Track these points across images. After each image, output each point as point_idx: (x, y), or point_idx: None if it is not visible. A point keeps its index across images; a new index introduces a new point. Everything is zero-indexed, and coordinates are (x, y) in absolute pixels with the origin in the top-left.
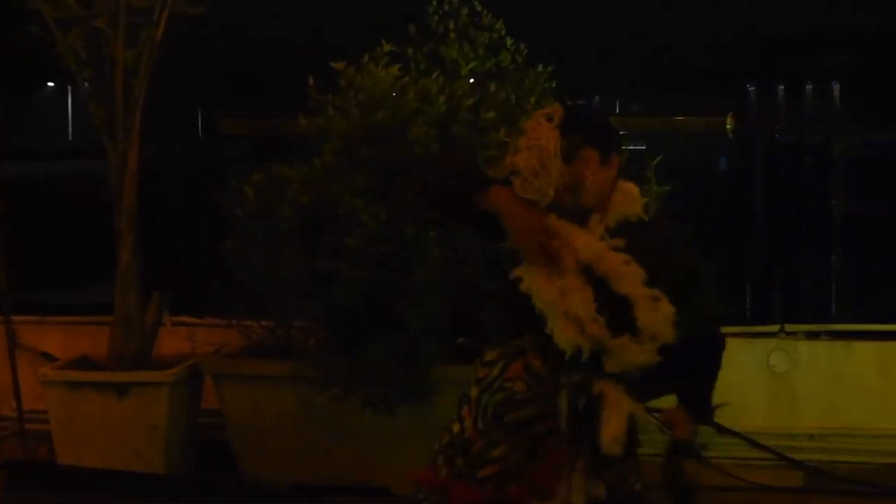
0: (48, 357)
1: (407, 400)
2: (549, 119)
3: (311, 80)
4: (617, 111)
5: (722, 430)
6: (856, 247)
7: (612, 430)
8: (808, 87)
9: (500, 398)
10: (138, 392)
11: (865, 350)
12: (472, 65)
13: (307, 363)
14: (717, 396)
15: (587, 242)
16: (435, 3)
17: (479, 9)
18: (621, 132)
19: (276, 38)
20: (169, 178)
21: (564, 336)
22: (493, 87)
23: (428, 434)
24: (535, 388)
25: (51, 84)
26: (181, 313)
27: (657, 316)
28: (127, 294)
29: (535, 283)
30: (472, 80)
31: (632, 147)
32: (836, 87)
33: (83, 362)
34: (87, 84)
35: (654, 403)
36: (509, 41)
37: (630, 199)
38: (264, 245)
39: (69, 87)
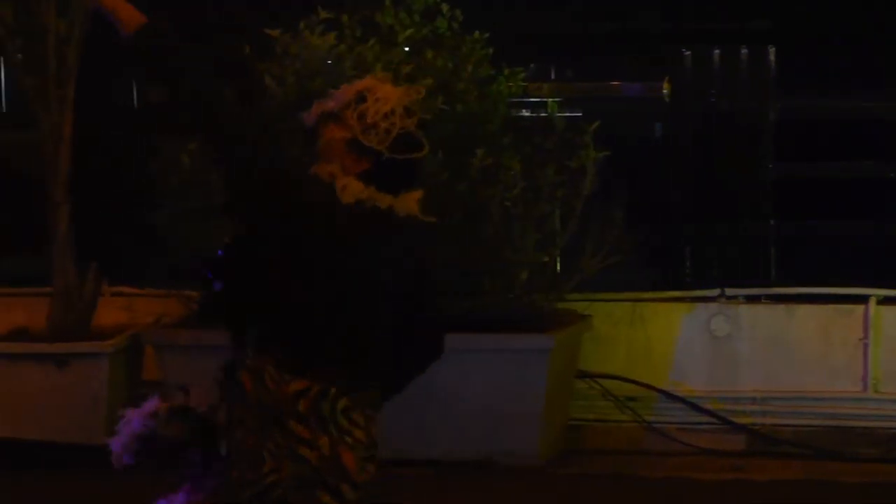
0: None
1: None
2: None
3: (246, 48)
4: (552, 77)
5: (665, 394)
6: (794, 210)
7: None
8: (744, 51)
9: None
10: (78, 363)
11: (806, 313)
12: (407, 32)
13: None
14: (660, 361)
15: None
16: None
17: None
18: (558, 99)
19: (205, 7)
20: (103, 147)
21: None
22: (429, 55)
23: None
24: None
25: None
26: (120, 284)
27: None
28: (65, 265)
29: None
30: (404, 49)
31: (568, 114)
32: (772, 50)
33: (21, 334)
34: (18, 54)
35: None
36: (445, 8)
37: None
38: (199, 213)
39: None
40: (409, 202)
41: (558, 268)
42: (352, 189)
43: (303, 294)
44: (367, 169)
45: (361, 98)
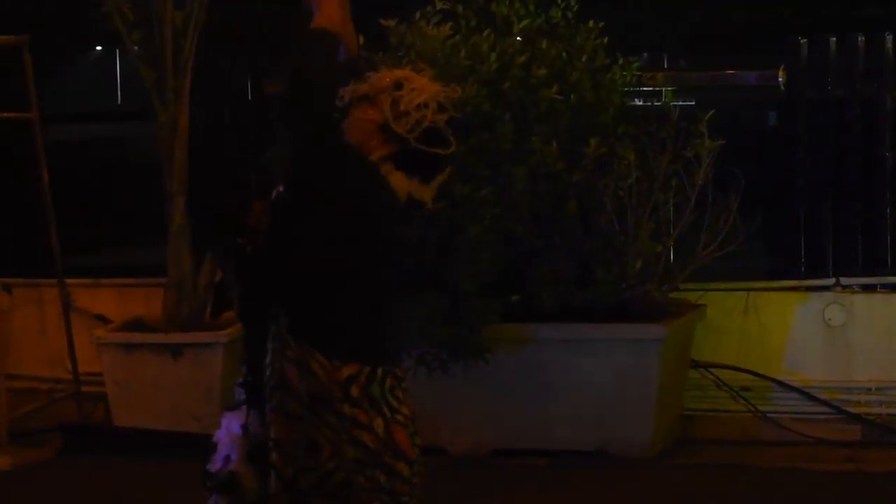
0: (102, 319)
1: (459, 359)
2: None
3: (360, 39)
4: (665, 66)
5: (779, 384)
6: None
7: None
8: (860, 38)
9: None
10: (193, 353)
11: None
12: (523, 23)
13: None
14: (774, 351)
15: None
16: None
17: None
18: (672, 88)
19: None
20: (217, 139)
21: None
22: (544, 44)
23: (484, 393)
24: None
25: (98, 48)
26: None
27: None
28: (180, 256)
29: None
30: (518, 38)
31: (681, 103)
32: (889, 37)
33: (137, 324)
34: (135, 47)
35: None
36: None
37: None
38: None
39: (117, 51)
40: (425, 192)
41: (672, 257)
42: (397, 181)
43: (354, 281)
44: (392, 152)
45: (398, 86)
